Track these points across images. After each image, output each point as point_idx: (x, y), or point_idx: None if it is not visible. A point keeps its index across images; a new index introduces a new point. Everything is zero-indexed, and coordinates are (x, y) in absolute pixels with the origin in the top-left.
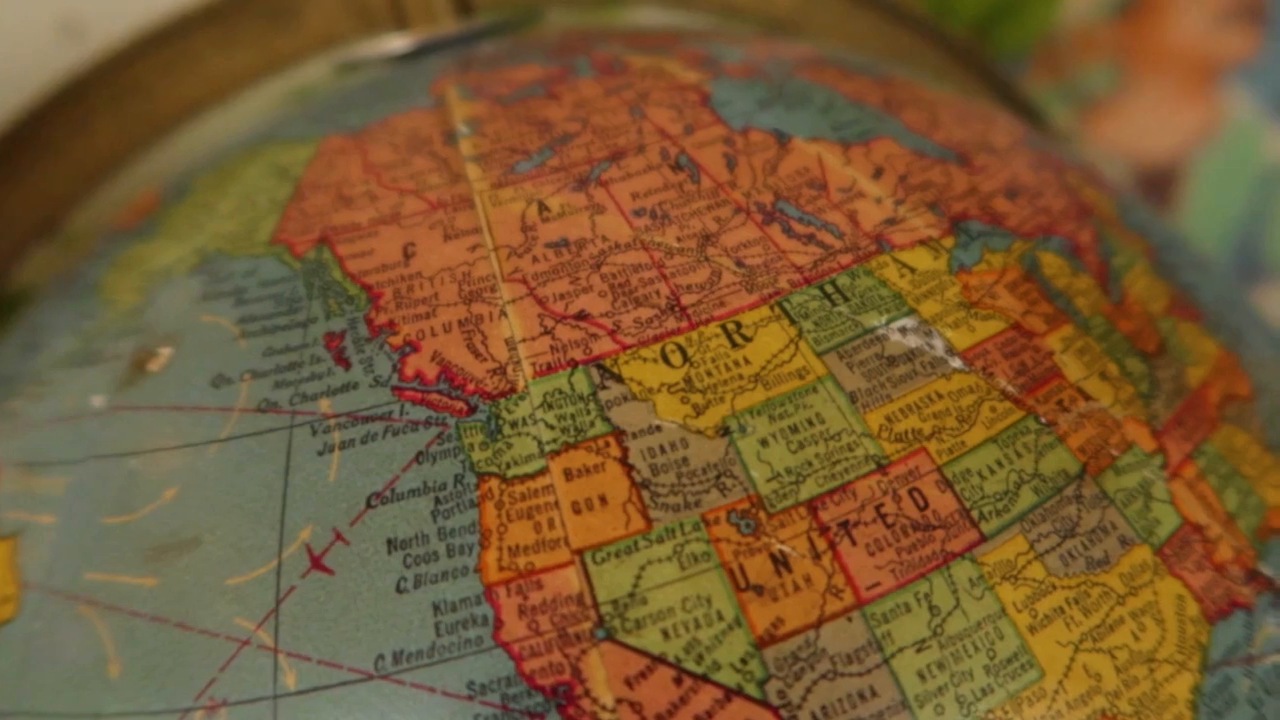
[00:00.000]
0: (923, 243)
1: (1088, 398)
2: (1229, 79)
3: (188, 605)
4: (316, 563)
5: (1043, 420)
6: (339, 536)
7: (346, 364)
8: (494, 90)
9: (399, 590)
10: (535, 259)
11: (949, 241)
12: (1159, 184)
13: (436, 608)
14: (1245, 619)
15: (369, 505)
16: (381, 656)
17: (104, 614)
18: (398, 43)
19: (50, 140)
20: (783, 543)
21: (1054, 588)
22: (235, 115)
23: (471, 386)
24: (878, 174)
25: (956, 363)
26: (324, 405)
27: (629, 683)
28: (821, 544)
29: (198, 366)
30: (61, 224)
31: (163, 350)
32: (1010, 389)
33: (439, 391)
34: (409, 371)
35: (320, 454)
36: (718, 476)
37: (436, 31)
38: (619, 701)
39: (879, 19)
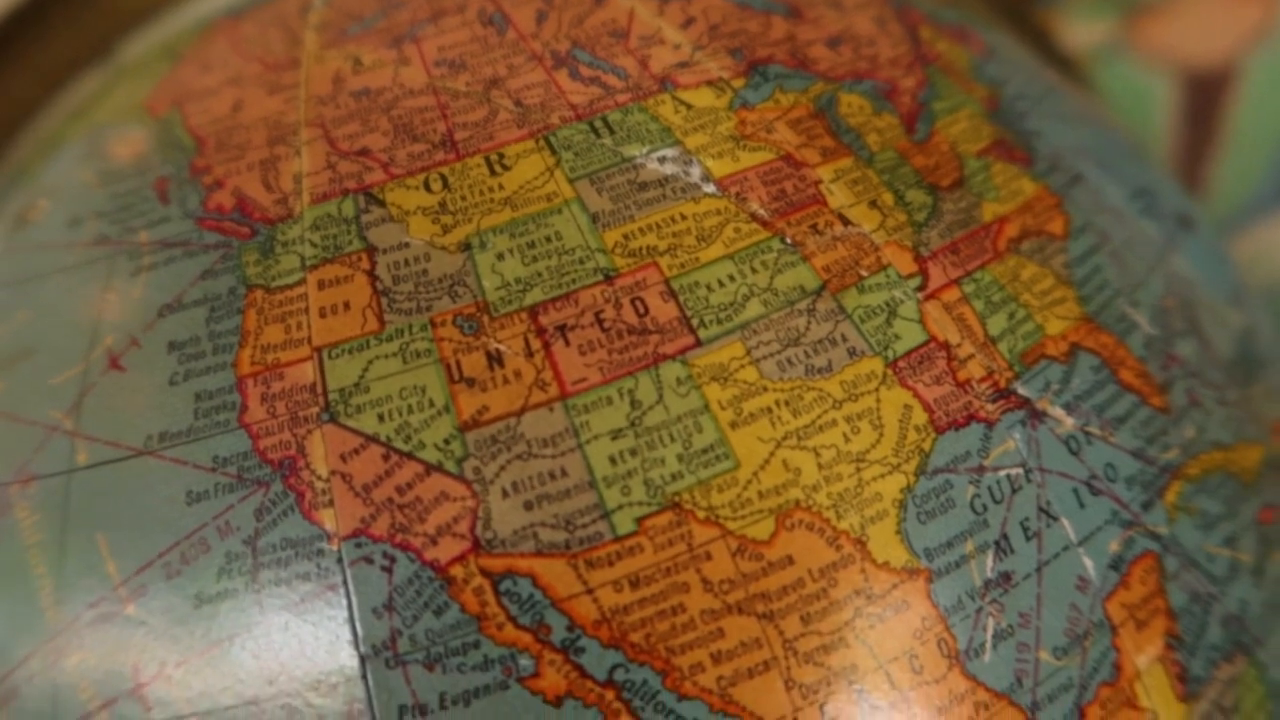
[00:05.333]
0: (710, 83)
1: (847, 223)
2: None
3: (20, 402)
4: (114, 363)
5: (788, 241)
6: (134, 342)
7: (167, 201)
8: None
9: (171, 383)
10: (337, 106)
11: (739, 83)
12: (1209, 89)
13: (198, 396)
14: (983, 432)
15: (160, 315)
16: (150, 436)
17: None
18: None
19: (13, 52)
20: (500, 342)
21: (765, 390)
22: (183, 20)
23: (258, 214)
24: (688, 23)
25: (710, 189)
26: (142, 236)
27: (343, 458)
28: (536, 344)
29: (61, 212)
30: (26, 126)
31: (42, 203)
32: (760, 212)
33: (231, 220)
34: (212, 204)
35: (132, 275)
36: (451, 285)
37: None
38: (332, 473)
39: None
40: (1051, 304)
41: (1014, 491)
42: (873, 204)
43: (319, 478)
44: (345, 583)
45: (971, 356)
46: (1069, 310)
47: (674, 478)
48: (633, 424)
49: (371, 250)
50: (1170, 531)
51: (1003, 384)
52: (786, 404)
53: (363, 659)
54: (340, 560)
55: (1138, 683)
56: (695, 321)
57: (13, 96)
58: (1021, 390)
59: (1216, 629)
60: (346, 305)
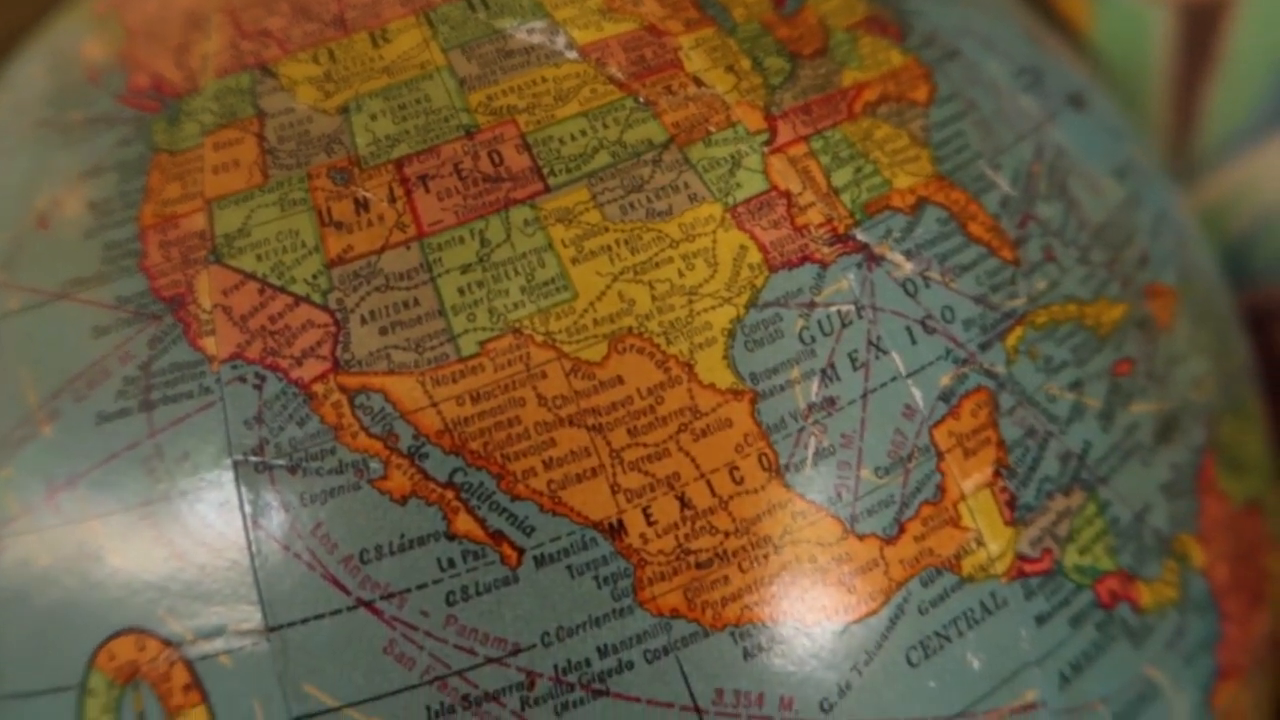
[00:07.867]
0: None
1: (701, 84)
2: None
3: None
4: (41, 223)
5: (641, 100)
6: (57, 203)
7: (97, 86)
8: None
9: (87, 236)
10: None
11: None
12: (1206, 16)
13: (106, 246)
14: (817, 272)
15: (81, 180)
16: (67, 282)
17: None
18: None
19: None
20: (367, 191)
21: (606, 230)
22: None
23: (169, 90)
24: None
25: (572, 55)
26: (74, 116)
27: (225, 293)
28: (399, 192)
29: (16, 103)
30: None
31: (2, 98)
32: (618, 75)
33: (147, 96)
34: (132, 85)
35: (62, 148)
36: (328, 143)
37: None
38: (215, 306)
39: None
40: (903, 161)
41: (844, 326)
42: (729, 68)
43: (204, 310)
44: (222, 399)
45: (812, 205)
46: (920, 168)
47: (516, 306)
48: (481, 260)
49: (262, 115)
50: (1008, 371)
51: (841, 230)
52: (626, 243)
53: (235, 464)
54: (219, 380)
55: (962, 504)
56: (546, 170)
57: (10, 25)
58: (861, 236)
59: (1053, 463)
60: (237, 163)
